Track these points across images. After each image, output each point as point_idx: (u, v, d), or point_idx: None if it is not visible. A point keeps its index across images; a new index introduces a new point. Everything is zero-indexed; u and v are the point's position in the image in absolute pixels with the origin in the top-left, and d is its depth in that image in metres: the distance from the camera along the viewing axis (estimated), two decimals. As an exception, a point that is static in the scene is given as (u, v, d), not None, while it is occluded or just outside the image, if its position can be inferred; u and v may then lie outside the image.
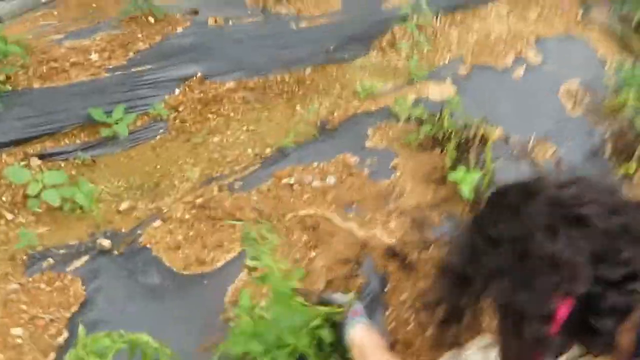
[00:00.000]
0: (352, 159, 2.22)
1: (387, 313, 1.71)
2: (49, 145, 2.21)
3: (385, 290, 1.76)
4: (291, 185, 2.08)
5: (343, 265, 1.81)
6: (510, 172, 2.24)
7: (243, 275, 1.78)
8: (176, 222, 1.96)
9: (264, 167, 2.19)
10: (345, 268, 1.79)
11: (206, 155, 2.28)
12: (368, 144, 2.31)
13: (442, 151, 2.26)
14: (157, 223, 1.95)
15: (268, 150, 2.29)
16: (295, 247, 1.86)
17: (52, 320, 1.67)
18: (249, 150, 2.30)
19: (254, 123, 2.42)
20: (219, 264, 1.82)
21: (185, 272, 1.79)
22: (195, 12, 2.73)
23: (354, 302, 1.35)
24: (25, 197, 1.98)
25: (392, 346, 1.63)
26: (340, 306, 1.33)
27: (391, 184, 2.12)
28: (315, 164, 2.19)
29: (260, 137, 2.36)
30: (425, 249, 1.88)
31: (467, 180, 1.99)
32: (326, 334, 1.28)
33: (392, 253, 1.82)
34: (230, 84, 2.49)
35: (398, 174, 2.18)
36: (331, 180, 2.11)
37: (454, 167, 2.08)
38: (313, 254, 1.84)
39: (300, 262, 1.81)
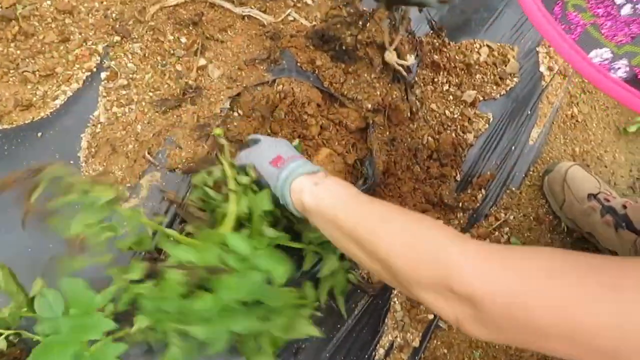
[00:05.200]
0: None
1: (326, 125, 1.21)
2: None
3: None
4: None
5: (251, 69, 1.22)
6: None
7: (99, 112, 1.14)
8: (-35, 49, 1.19)
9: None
10: (256, 73, 1.21)
11: None
12: None
13: None
14: None
15: None
16: (172, 55, 1.22)
17: None
18: None
19: None
20: (58, 102, 1.15)
21: (2, 127, 1.11)
22: None
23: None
24: None
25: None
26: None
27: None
28: None
29: None
30: (363, 26, 1.32)
31: None
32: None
33: (318, 40, 1.25)
34: None
35: None
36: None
37: None
38: (202, 61, 1.22)
39: (186, 77, 1.19)
